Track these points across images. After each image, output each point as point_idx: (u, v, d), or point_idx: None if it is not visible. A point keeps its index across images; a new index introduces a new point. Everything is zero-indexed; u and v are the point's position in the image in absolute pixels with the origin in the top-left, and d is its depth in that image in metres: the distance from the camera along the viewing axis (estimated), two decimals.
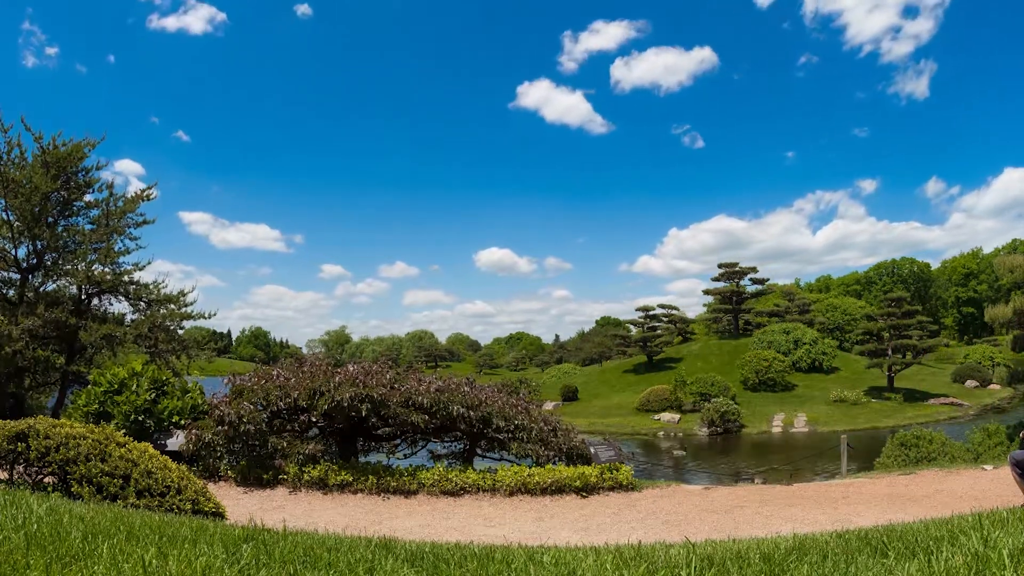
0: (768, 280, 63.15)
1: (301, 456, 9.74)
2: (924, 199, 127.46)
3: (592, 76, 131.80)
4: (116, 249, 16.25)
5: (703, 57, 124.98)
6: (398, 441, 11.85)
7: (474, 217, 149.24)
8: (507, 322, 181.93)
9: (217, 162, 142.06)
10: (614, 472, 9.33)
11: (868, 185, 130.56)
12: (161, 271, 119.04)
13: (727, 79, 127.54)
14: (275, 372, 10.92)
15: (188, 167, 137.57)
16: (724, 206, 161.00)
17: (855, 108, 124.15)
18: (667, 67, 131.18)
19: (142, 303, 16.69)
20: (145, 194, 16.91)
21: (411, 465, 10.28)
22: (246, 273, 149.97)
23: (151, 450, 6.45)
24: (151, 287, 16.87)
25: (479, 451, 11.52)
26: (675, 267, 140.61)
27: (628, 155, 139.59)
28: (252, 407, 10.01)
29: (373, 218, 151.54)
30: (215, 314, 18.06)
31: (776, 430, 37.39)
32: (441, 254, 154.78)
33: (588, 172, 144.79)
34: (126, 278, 16.41)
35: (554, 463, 10.46)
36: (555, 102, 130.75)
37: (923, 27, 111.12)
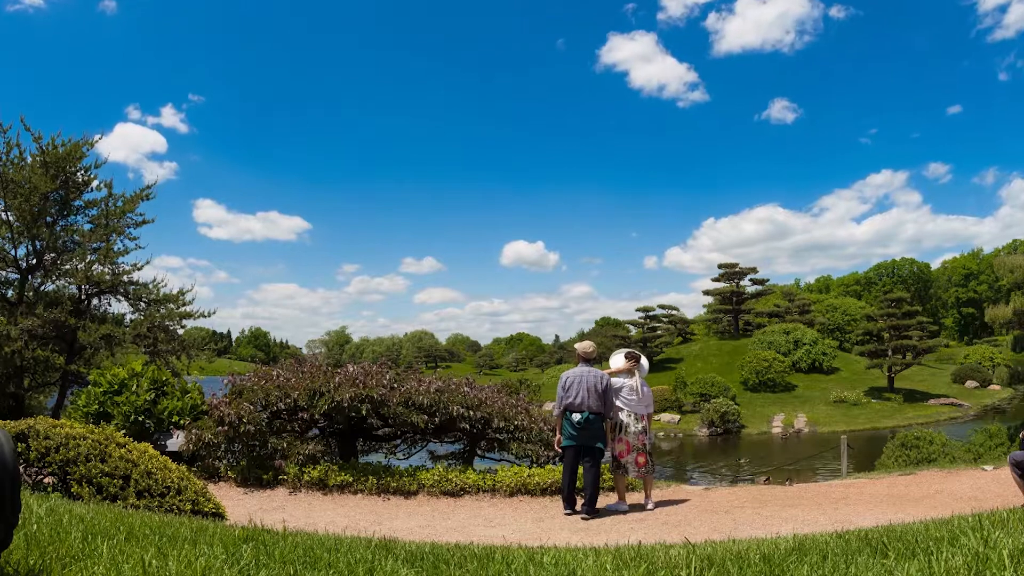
0: (768, 280, 63.25)
1: (301, 456, 9.73)
2: (983, 187, 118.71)
3: (695, 31, 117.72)
4: (115, 249, 16.25)
5: (835, 13, 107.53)
6: (398, 441, 11.84)
7: (513, 209, 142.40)
8: (519, 321, 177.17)
9: (244, 136, 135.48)
10: None
11: (937, 170, 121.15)
12: (169, 267, 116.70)
13: (851, 38, 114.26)
14: (275, 372, 10.92)
15: (213, 140, 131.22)
16: (780, 192, 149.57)
17: (961, 80, 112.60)
18: (791, 18, 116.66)
19: (142, 303, 16.69)
20: (145, 193, 16.91)
21: (411, 466, 10.27)
22: (260, 269, 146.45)
23: (151, 450, 6.44)
24: (151, 287, 16.88)
25: (479, 451, 11.51)
26: (709, 261, 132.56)
27: (713, 131, 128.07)
28: (252, 407, 10.00)
29: (406, 210, 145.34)
30: (214, 312, 18.09)
31: (776, 430, 37.39)
32: (472, 248, 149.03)
33: (661, 154, 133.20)
34: (125, 278, 16.42)
35: (554, 463, 10.45)
36: (646, 62, 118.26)
37: None
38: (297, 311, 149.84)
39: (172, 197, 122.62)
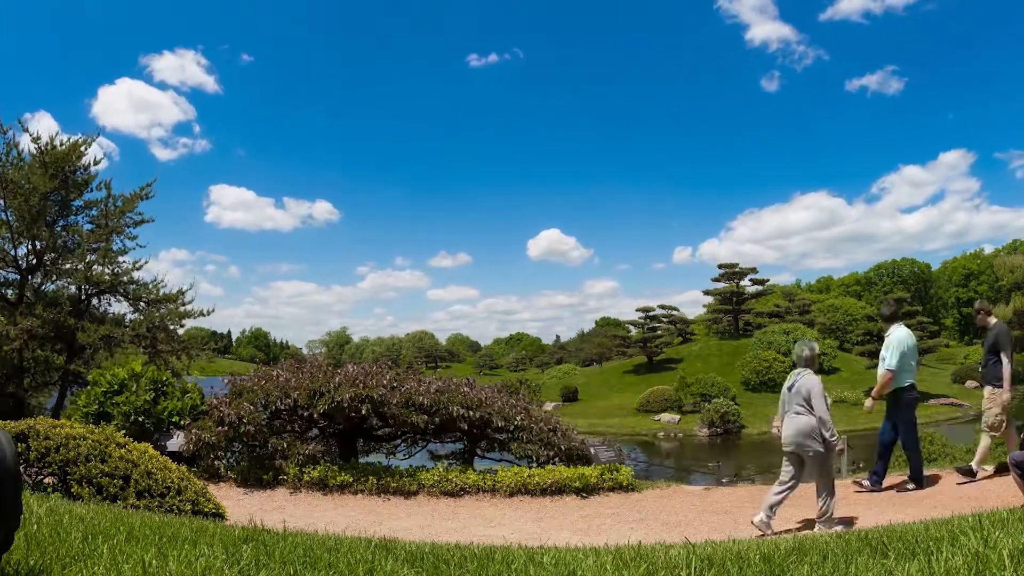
0: (768, 280, 63.24)
1: (301, 457, 9.73)
2: None
3: None
4: (115, 249, 16.26)
5: None
6: (398, 442, 11.83)
7: (552, 200, 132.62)
8: (530, 320, 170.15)
9: (274, 113, 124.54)
10: (614, 473, 9.32)
11: (1011, 153, 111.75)
12: (178, 260, 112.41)
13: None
14: (275, 373, 10.92)
15: (242, 107, 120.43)
16: (839, 173, 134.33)
17: None
18: None
19: (141, 303, 16.68)
20: (144, 192, 16.91)
21: (411, 466, 10.26)
22: (276, 264, 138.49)
23: (151, 451, 6.44)
24: (150, 287, 16.87)
25: (479, 452, 11.51)
26: (742, 254, 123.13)
27: (798, 104, 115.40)
28: (252, 408, 10.00)
29: (442, 204, 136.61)
30: (212, 311, 17.97)
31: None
32: (501, 243, 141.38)
33: (723, 133, 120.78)
34: (125, 278, 16.41)
35: (554, 463, 10.45)
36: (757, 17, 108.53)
37: None
38: (305, 309, 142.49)
39: (190, 174, 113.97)
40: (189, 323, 18.07)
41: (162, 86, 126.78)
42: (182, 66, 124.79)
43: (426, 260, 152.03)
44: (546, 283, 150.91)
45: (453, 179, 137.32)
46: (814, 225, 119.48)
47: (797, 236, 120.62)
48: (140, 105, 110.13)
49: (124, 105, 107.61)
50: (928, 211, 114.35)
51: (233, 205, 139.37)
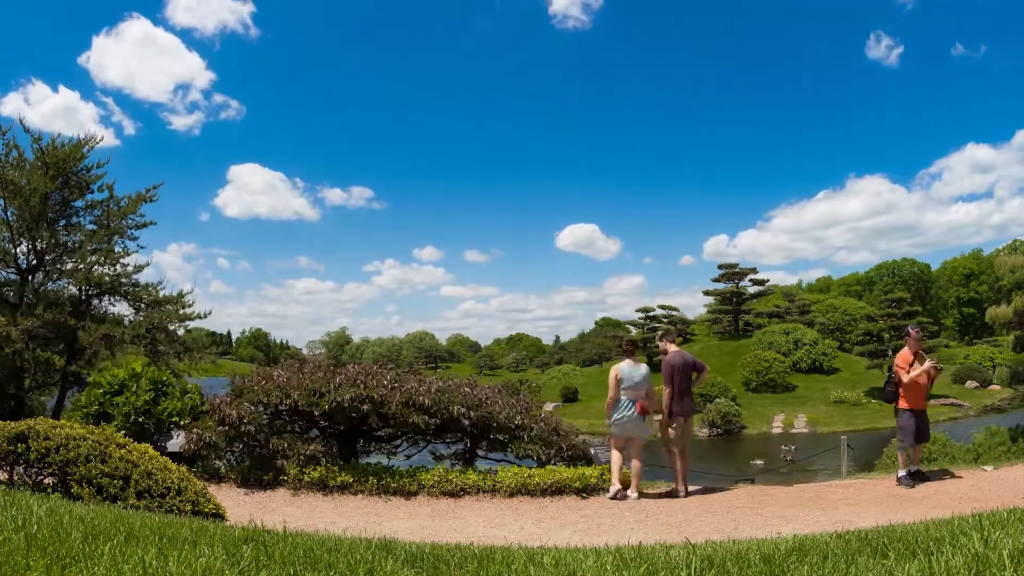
0: (768, 281, 63.28)
1: (302, 457, 9.73)
2: None
3: None
4: (116, 250, 16.27)
5: None
6: (399, 442, 11.84)
7: (591, 192, 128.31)
8: (543, 318, 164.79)
9: (325, 57, 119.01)
10: None
11: None
12: (187, 256, 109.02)
13: None
14: (276, 373, 10.92)
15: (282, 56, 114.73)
16: (899, 154, 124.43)
17: None
18: None
19: (142, 304, 16.69)
20: (148, 195, 16.92)
21: (411, 466, 10.26)
22: (293, 258, 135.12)
23: (151, 451, 6.44)
24: (151, 288, 16.88)
25: (480, 452, 11.52)
26: (776, 245, 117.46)
27: (911, 72, 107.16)
28: (253, 408, 10.01)
29: (475, 201, 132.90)
30: (210, 313, 17.91)
31: (776, 431, 37.39)
32: (530, 240, 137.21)
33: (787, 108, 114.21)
34: (125, 279, 16.42)
35: (554, 464, 10.45)
36: None
37: None
38: (313, 307, 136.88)
39: (208, 149, 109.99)
40: (190, 325, 18.07)
41: (173, 29, 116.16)
42: None
43: (457, 255, 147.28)
44: (569, 279, 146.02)
45: (489, 172, 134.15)
46: (861, 214, 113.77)
47: (839, 227, 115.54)
48: (152, 56, 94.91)
49: (129, 56, 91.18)
50: (982, 203, 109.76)
51: (253, 189, 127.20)
